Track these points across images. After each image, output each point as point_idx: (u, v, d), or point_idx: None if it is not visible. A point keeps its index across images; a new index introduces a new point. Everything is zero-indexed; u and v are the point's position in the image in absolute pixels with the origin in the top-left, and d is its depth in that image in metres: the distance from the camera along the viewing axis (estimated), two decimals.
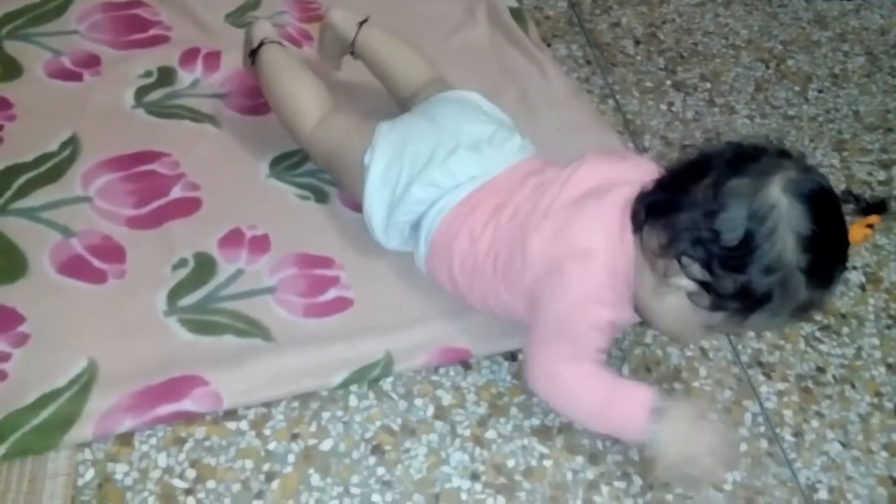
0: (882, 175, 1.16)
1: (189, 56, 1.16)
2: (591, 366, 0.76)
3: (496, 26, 1.29)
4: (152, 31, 1.20)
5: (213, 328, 0.84)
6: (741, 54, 1.33)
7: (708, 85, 1.26)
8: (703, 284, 0.69)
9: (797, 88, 1.28)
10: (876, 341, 0.94)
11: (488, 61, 1.23)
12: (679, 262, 0.70)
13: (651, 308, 0.76)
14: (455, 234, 0.83)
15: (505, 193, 0.82)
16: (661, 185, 0.74)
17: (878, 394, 0.89)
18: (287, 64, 0.99)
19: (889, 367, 0.91)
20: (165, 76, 1.13)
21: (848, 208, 0.71)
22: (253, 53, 1.01)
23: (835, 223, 0.69)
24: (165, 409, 0.77)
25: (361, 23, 1.05)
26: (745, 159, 0.69)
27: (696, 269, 0.69)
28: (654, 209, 0.72)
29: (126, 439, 0.76)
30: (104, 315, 0.84)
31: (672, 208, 0.71)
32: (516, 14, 1.31)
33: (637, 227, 0.74)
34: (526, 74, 1.21)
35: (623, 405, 0.75)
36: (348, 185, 0.93)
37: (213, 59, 1.16)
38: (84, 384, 0.78)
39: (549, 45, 1.28)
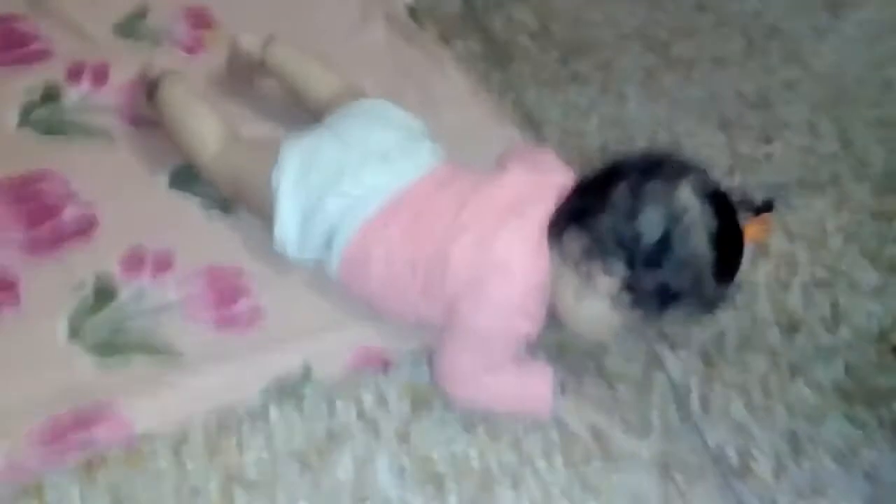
0: (766, 149, 1.23)
1: (75, 70, 1.11)
2: (504, 370, 0.81)
3: (393, 27, 1.29)
4: (33, 46, 1.15)
5: (119, 351, 0.81)
6: (630, 44, 1.38)
7: (600, 74, 1.31)
8: (625, 283, 0.73)
9: (683, 73, 1.34)
10: (769, 306, 1.00)
11: (388, 62, 1.23)
12: (602, 262, 0.74)
13: (572, 313, 0.79)
14: (371, 245, 0.83)
15: (421, 203, 0.83)
16: (578, 192, 0.78)
17: (774, 354, 0.94)
18: (186, 95, 0.99)
19: (782, 328, 0.97)
20: (51, 92, 1.08)
21: (741, 209, 0.78)
22: (152, 89, 0.99)
23: (734, 221, 0.75)
24: (74, 440, 0.74)
25: (266, 43, 1.06)
26: (655, 165, 0.75)
27: (620, 268, 0.73)
28: (575, 215, 0.76)
29: (35, 477, 0.72)
30: (1, 348, 0.80)
31: (593, 213, 0.75)
32: (413, 13, 1.32)
33: (558, 233, 0.77)
34: (425, 73, 1.22)
35: (532, 393, 0.82)
36: (257, 207, 0.91)
37: (101, 72, 1.11)
38: None
39: (446, 43, 1.30)
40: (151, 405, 0.77)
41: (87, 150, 1.01)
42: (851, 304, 1.02)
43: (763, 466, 0.84)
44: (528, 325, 0.79)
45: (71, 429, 0.74)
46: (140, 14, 1.23)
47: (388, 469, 0.78)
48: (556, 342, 0.91)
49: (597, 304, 0.76)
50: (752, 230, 0.76)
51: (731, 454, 0.84)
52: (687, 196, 0.72)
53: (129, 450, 0.76)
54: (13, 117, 1.04)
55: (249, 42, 1.07)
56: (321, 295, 0.89)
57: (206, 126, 0.96)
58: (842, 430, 0.88)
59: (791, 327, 0.98)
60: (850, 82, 1.39)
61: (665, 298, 0.73)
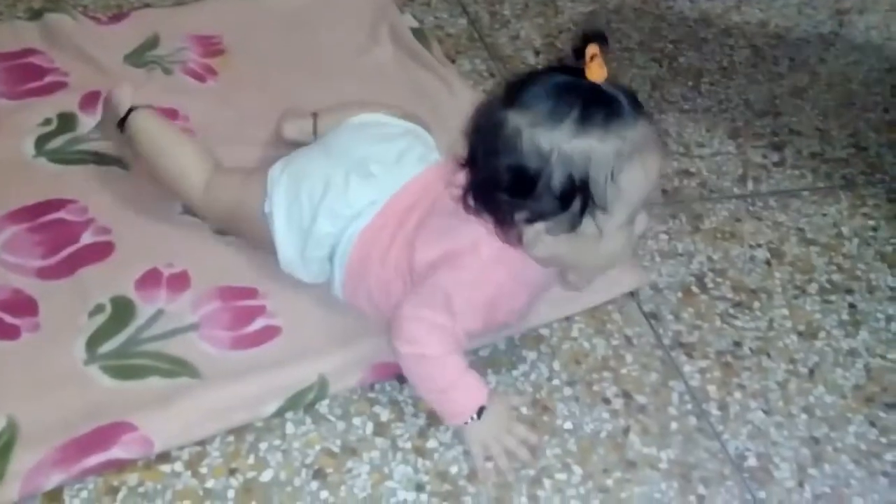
0: (775, 157, 1.23)
1: (89, 99, 1.13)
2: (456, 354, 0.78)
3: (400, 47, 1.31)
4: (49, 78, 1.17)
5: (136, 372, 0.82)
6: (635, 56, 1.40)
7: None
8: (534, 218, 0.71)
9: (690, 83, 1.35)
10: (785, 312, 0.99)
11: (397, 81, 1.25)
12: (511, 224, 0.72)
13: (564, 264, 0.78)
14: (367, 257, 0.84)
15: (407, 206, 0.83)
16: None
17: (792, 360, 0.94)
18: (160, 128, 0.97)
19: (800, 334, 0.97)
20: (66, 122, 1.10)
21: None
22: (122, 122, 0.97)
23: (548, 88, 0.69)
24: (94, 460, 0.74)
25: (314, 121, 1.01)
26: (478, 119, 0.73)
27: (522, 216, 0.72)
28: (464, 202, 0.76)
29: (55, 495, 0.73)
30: (20, 371, 0.81)
31: (469, 193, 0.74)
32: (418, 34, 1.34)
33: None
34: (434, 91, 1.23)
35: (461, 396, 0.79)
36: (256, 239, 0.91)
37: None
38: (5, 443, 0.74)
39: (453, 62, 1.31)
40: (169, 423, 0.77)
41: (103, 176, 1.03)
42: (869, 307, 1.01)
43: (784, 472, 0.82)
44: (490, 290, 0.77)
45: (91, 448, 0.75)
46: (151, 44, 1.25)
47: (405, 483, 0.78)
48: (571, 353, 0.91)
49: (557, 246, 0.73)
50: (592, 70, 0.70)
51: (752, 461, 0.83)
52: (499, 115, 0.69)
53: (147, 468, 0.76)
54: (29, 147, 1.06)
55: (297, 131, 1.02)
56: (335, 312, 0.90)
57: (188, 159, 0.94)
58: (863, 433, 0.87)
59: (809, 332, 0.97)
60: (858, 88, 1.39)
61: (584, 195, 0.68)
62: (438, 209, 0.81)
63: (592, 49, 0.68)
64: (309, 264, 0.87)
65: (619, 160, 0.68)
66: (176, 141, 0.97)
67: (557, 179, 0.68)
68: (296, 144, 1.00)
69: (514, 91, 0.70)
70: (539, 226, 0.72)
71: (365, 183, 0.85)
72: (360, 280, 0.85)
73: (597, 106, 0.68)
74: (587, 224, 0.71)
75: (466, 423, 0.79)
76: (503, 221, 0.73)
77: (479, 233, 0.76)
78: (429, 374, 0.79)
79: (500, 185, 0.71)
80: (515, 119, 0.69)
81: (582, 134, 0.67)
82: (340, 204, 0.84)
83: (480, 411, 0.79)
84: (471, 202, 0.75)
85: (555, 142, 0.68)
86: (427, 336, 0.77)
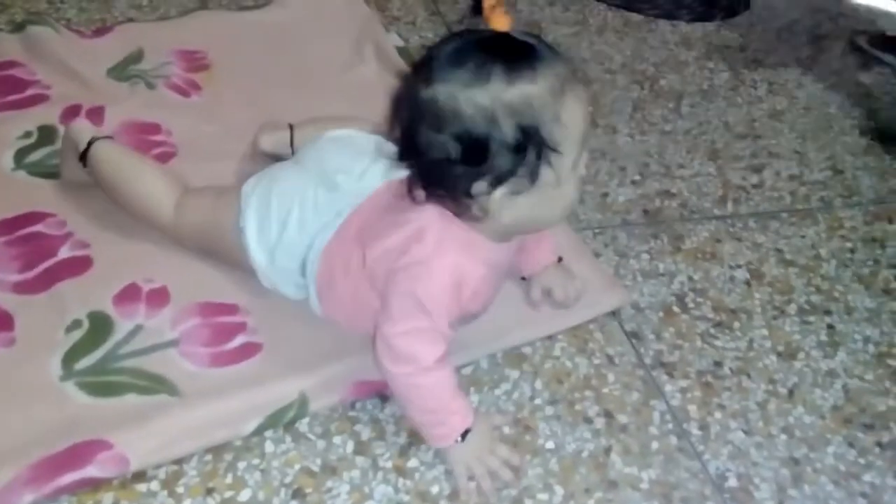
0: (754, 178, 1.25)
1: (71, 113, 1.13)
2: (447, 367, 0.78)
3: (384, 65, 1.31)
4: (30, 91, 1.17)
5: (113, 389, 0.81)
6: (617, 78, 1.41)
7: (589, 108, 1.32)
8: (501, 181, 0.70)
9: (671, 105, 1.37)
10: (765, 332, 1.00)
11: (381, 98, 1.24)
12: (470, 199, 0.71)
13: (526, 226, 0.77)
14: (332, 268, 0.84)
15: (366, 219, 0.83)
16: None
17: (771, 381, 0.94)
18: (123, 157, 0.96)
19: (779, 354, 0.97)
20: (46, 135, 1.09)
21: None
22: (84, 155, 0.96)
23: (462, 51, 0.69)
24: (68, 479, 0.73)
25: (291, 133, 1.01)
26: (403, 107, 0.72)
27: (481, 186, 0.70)
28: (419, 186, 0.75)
29: None
30: None
31: (418, 183, 0.74)
32: (403, 53, 1.35)
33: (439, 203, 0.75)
34: None
35: (450, 418, 0.78)
36: (232, 258, 0.90)
37: (96, 114, 1.13)
38: None
39: None
40: (146, 442, 0.76)
41: (82, 190, 1.02)
42: (847, 328, 1.02)
43: (764, 493, 0.83)
44: (450, 271, 0.75)
45: (65, 466, 0.73)
46: (135, 58, 1.25)
47: (385, 502, 0.77)
48: (552, 372, 0.91)
49: (519, 205, 0.72)
50: (495, 20, 0.70)
51: (733, 481, 0.83)
52: (429, 92, 0.68)
53: (122, 487, 0.74)
54: (8, 160, 1.05)
55: (274, 143, 1.01)
56: (317, 329, 0.89)
57: (154, 184, 0.93)
58: (842, 454, 0.87)
59: (788, 353, 0.98)
60: (835, 112, 1.42)
61: (525, 146, 0.68)
62: (385, 209, 0.80)
63: (489, 0, 0.69)
64: (282, 275, 0.87)
65: (556, 97, 0.69)
66: (141, 167, 0.96)
67: (508, 132, 0.68)
68: (273, 156, 1.00)
69: (428, 67, 0.70)
70: (500, 190, 0.71)
71: (331, 195, 0.85)
72: (331, 292, 0.85)
73: (516, 52, 0.69)
74: (545, 172, 0.71)
75: (450, 447, 0.78)
76: (461, 199, 0.72)
77: (420, 221, 0.75)
78: (420, 394, 0.78)
79: (453, 158, 0.69)
80: (443, 90, 0.68)
81: (514, 82, 0.67)
82: (310, 215, 0.84)
83: (465, 433, 0.78)
84: (421, 192, 0.74)
85: (492, 96, 0.67)
86: (416, 346, 0.76)
